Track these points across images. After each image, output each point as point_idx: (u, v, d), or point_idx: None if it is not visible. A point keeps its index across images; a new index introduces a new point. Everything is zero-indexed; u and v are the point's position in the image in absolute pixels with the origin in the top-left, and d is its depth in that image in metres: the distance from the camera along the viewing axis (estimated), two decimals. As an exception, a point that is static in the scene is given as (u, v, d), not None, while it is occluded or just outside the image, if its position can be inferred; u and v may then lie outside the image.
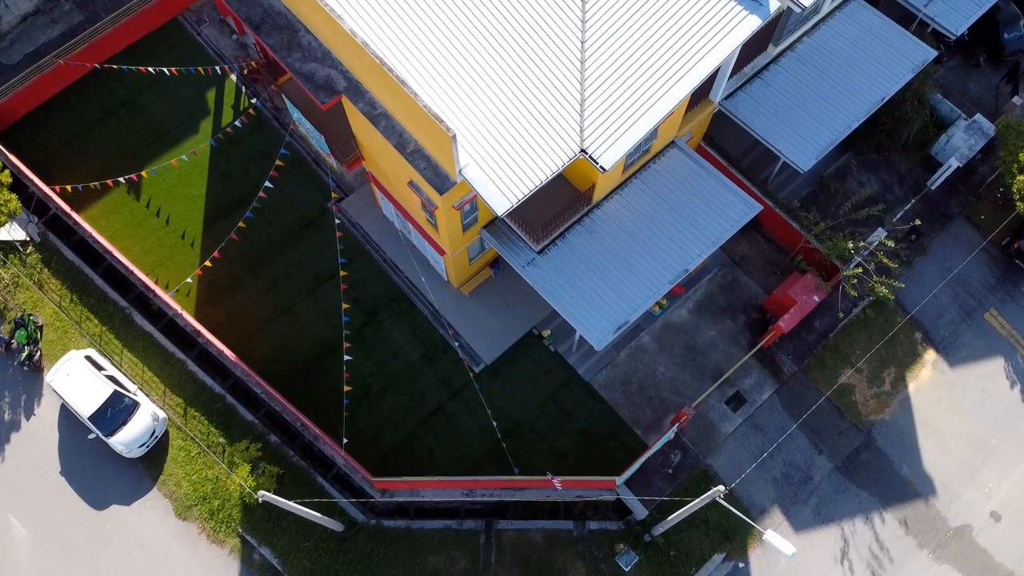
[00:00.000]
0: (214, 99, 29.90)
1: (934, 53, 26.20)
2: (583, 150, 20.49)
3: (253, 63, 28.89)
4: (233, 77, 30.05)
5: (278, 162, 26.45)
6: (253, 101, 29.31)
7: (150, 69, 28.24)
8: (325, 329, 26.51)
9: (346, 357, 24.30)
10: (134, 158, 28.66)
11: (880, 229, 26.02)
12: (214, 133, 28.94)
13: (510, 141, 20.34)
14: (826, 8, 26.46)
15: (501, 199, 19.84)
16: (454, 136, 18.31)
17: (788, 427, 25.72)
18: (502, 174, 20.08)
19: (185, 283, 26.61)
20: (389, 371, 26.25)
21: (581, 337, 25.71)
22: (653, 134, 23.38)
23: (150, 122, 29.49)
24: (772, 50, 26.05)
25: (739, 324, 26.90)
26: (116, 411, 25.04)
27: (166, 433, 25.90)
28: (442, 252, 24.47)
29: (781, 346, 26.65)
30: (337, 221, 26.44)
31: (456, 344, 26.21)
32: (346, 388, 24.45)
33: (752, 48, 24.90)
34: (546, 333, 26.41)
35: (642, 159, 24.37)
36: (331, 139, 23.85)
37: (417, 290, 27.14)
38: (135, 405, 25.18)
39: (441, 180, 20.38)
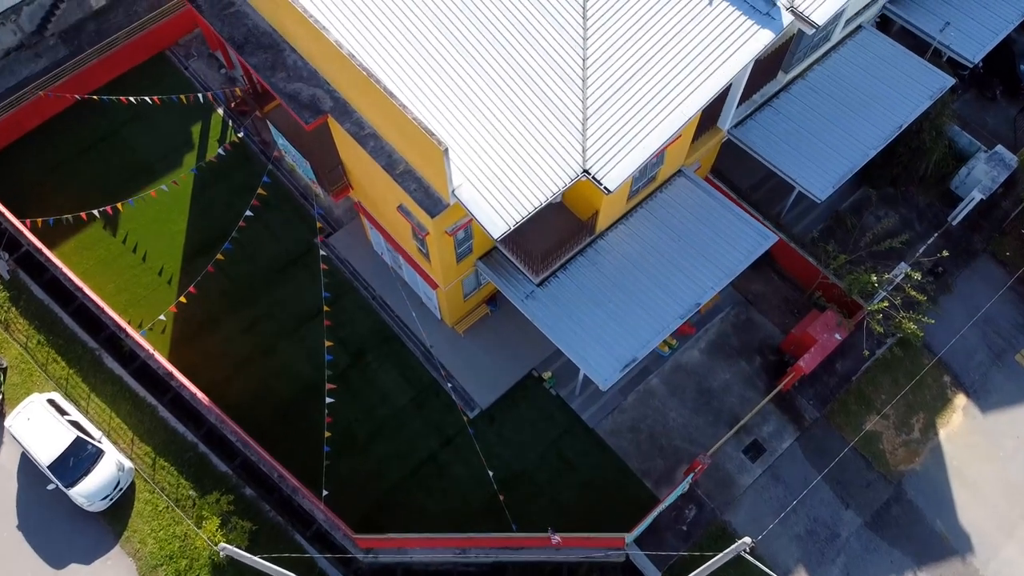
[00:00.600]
0: (199, 133, 28.68)
1: (952, 80, 25.04)
2: (586, 171, 19.02)
3: (238, 90, 27.71)
4: (220, 111, 28.90)
5: (260, 191, 25.02)
6: (240, 135, 28.07)
7: (131, 99, 27.05)
8: (308, 371, 24.62)
9: (327, 399, 22.32)
10: (113, 192, 27.21)
11: (902, 263, 24.38)
12: (198, 165, 27.62)
13: (507, 161, 18.89)
14: (837, 36, 25.42)
15: (497, 221, 18.28)
16: (446, 150, 16.83)
17: (812, 479, 23.55)
18: (498, 195, 18.56)
19: (159, 320, 24.83)
20: (376, 417, 24.23)
21: (585, 378, 23.78)
22: (660, 160, 21.97)
23: (131, 156, 28.18)
24: (782, 77, 24.88)
25: (755, 366, 24.99)
26: (78, 460, 22.92)
27: (132, 485, 23.72)
28: (435, 286, 22.77)
29: (801, 390, 24.68)
30: (323, 254, 24.79)
31: (449, 387, 24.27)
32: (327, 434, 22.39)
33: (761, 74, 23.71)
34: (547, 375, 24.50)
35: (648, 187, 22.90)
36: (317, 166, 22.42)
37: (408, 329, 25.33)
38: (99, 453, 23.08)
39: (433, 202, 18.83)
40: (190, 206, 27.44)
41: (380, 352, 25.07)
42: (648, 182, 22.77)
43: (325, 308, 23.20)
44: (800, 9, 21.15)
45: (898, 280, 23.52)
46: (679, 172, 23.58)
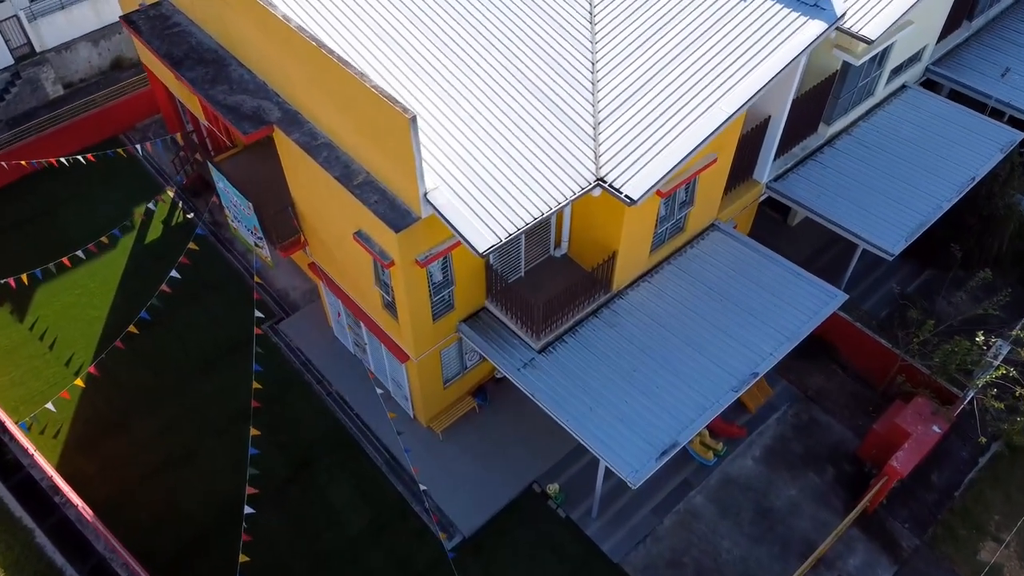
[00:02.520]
0: (143, 212, 24.62)
1: (1021, 135, 21.35)
2: (600, 179, 14.58)
3: (179, 136, 23.57)
4: (170, 192, 25.03)
5: (192, 245, 20.44)
6: (189, 215, 23.99)
7: (62, 160, 23.24)
8: (233, 485, 18.52)
9: (247, 509, 16.16)
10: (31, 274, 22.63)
11: (999, 341, 19.19)
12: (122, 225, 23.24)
13: (500, 169, 14.53)
14: (880, 93, 22.09)
15: (484, 232, 13.54)
16: (413, 118, 12.44)
17: (925, 634, 16.78)
18: (487, 205, 14.00)
19: (48, 411, 19.20)
20: (320, 547, 17.81)
21: (606, 493, 17.77)
22: (689, 197, 17.58)
23: (62, 238, 23.86)
24: (824, 131, 21.18)
25: (827, 479, 18.94)
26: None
27: (-29, 643, 16.85)
28: (404, 358, 17.42)
29: (892, 509, 18.47)
30: (259, 351, 19.68)
31: (423, 507, 18.10)
32: (245, 560, 16.01)
33: (801, 123, 20.03)
34: (553, 489, 18.40)
35: (676, 239, 18.33)
36: (263, 212, 17.98)
37: (370, 431, 19.56)
38: (-70, 595, 16.52)
39: (399, 215, 14.20)
40: (116, 290, 22.68)
41: (332, 461, 19.13)
42: (676, 231, 18.23)
43: (254, 404, 17.53)
44: (848, 26, 17.83)
45: (1004, 354, 18.19)
46: (713, 226, 19.12)
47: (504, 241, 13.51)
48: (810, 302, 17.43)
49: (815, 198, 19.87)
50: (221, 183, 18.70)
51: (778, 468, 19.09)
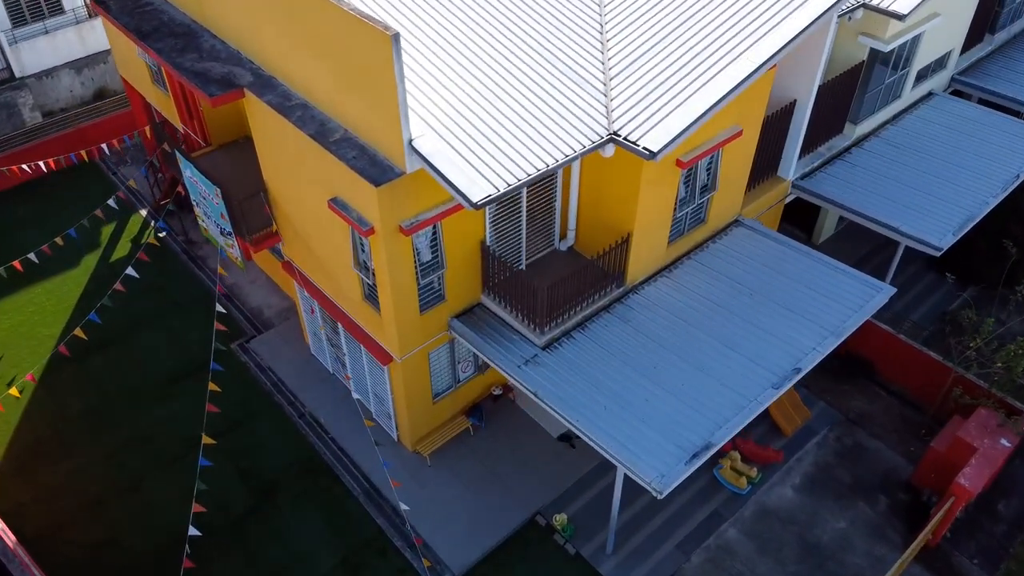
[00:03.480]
0: (109, 233, 22.67)
1: (1065, 136, 19.70)
2: (614, 133, 12.73)
3: (147, 130, 21.36)
4: (143, 212, 23.16)
5: (153, 240, 18.34)
6: (162, 233, 22.08)
7: (23, 167, 21.47)
8: (180, 517, 15.70)
9: (193, 532, 13.40)
10: (-22, 294, 20.50)
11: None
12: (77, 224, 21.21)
13: (502, 123, 12.72)
14: (908, 96, 20.62)
15: (479, 182, 11.58)
16: (396, 35, 10.64)
17: None
18: (485, 156, 12.09)
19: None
20: (284, 589, 14.96)
21: (623, 526, 15.05)
22: (711, 180, 15.68)
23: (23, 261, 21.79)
24: (851, 131, 19.54)
25: (880, 509, 16.19)
26: None
27: None
28: (386, 359, 15.03)
29: (957, 542, 15.65)
30: (223, 371, 17.36)
31: (405, 542, 15.33)
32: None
33: (827, 116, 18.41)
34: (560, 520, 15.64)
35: (696, 232, 16.31)
36: (233, 199, 16.00)
37: (347, 457, 16.93)
38: None
39: (380, 170, 12.24)
40: (74, 308, 20.46)
41: (300, 490, 16.41)
42: (696, 223, 16.23)
43: (204, 440, 14.94)
44: (877, 2, 16.46)
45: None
46: (737, 221, 17.14)
47: (502, 192, 11.49)
48: (854, 296, 15.22)
49: (848, 195, 17.98)
50: (188, 170, 16.81)
51: (823, 498, 16.36)
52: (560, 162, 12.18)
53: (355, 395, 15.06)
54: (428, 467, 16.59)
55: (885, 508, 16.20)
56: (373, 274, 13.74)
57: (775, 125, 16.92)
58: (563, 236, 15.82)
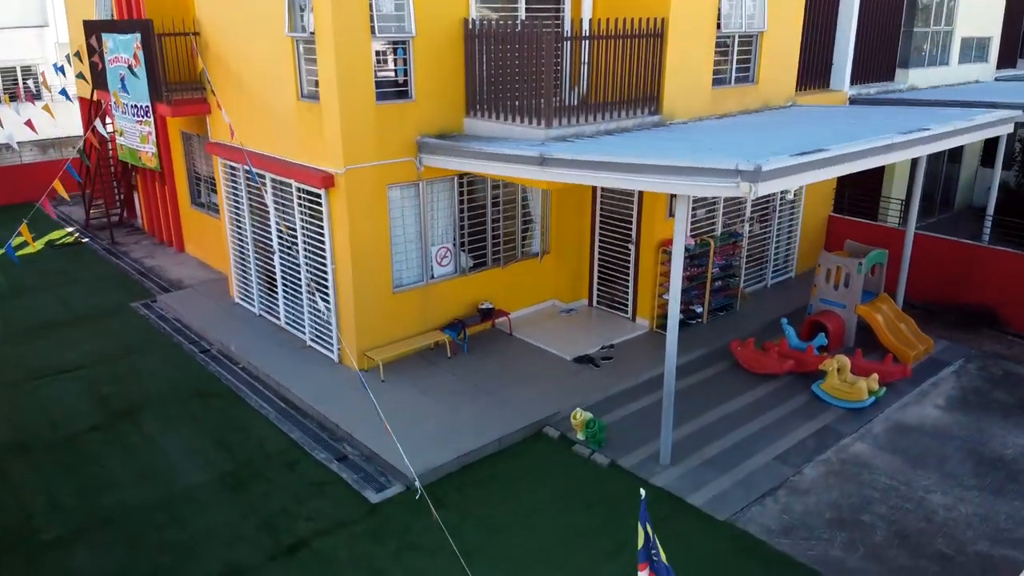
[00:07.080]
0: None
1: None
2: None
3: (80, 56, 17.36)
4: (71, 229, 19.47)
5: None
6: (76, 235, 18.27)
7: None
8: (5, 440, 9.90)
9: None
10: None
11: None
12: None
13: None
14: (954, 62, 18.60)
15: None
16: None
17: None
18: None
19: None
20: (107, 503, 8.69)
21: (679, 441, 9.42)
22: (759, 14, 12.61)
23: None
24: (903, 78, 17.02)
25: (1072, 422, 10.33)
26: None
27: None
28: (326, 181, 10.43)
29: None
30: (115, 326, 12.69)
31: (332, 457, 9.40)
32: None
33: (873, 42, 16.00)
34: (580, 417, 9.70)
35: (744, 91, 12.81)
36: (155, 44, 12.69)
37: (260, 382, 11.35)
38: None
39: None
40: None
41: (177, 412, 10.63)
42: (743, 78, 12.77)
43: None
44: None
45: None
46: (792, 104, 13.65)
47: None
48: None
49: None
50: (111, 42, 13.71)
51: (988, 416, 10.58)
52: None
53: (283, 323, 10.35)
54: (382, 382, 10.97)
55: (1079, 421, 10.36)
56: (313, 34, 9.97)
57: (820, 48, 14.44)
58: (574, 84, 12.22)
